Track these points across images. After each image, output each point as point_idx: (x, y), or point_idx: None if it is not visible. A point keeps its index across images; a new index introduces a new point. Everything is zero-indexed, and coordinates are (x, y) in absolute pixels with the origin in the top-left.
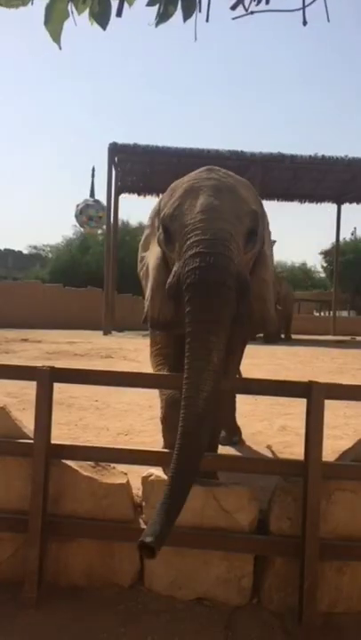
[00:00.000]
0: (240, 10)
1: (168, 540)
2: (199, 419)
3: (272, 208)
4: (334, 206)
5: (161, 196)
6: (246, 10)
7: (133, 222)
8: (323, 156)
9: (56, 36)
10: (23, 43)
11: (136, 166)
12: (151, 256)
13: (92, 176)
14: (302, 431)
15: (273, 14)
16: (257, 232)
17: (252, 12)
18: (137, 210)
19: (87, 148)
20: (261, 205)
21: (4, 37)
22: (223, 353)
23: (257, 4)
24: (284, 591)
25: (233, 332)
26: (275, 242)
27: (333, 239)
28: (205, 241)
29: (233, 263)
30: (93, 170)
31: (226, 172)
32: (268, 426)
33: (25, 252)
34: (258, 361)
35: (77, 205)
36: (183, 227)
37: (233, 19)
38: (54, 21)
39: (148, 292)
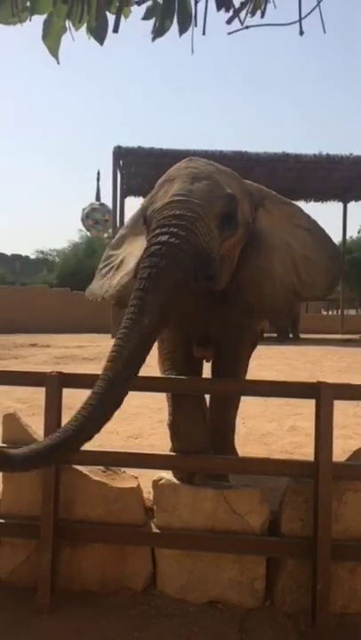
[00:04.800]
0: (236, 24)
1: (180, 544)
2: (117, 371)
3: None
4: (340, 205)
5: None
6: (242, 24)
7: None
8: (327, 154)
9: (54, 50)
10: (28, 49)
11: (141, 169)
12: (135, 251)
13: (98, 180)
14: (312, 431)
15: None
16: (236, 216)
17: (247, 27)
18: None
19: (92, 152)
20: (250, 195)
21: (8, 45)
22: (158, 315)
23: (252, 16)
24: (297, 592)
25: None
26: None
27: (340, 237)
28: (167, 222)
29: (194, 236)
30: (98, 173)
31: (208, 161)
32: (277, 427)
33: (32, 256)
34: (267, 361)
35: (83, 209)
36: (155, 211)
37: (229, 33)
38: (52, 36)
39: (123, 276)
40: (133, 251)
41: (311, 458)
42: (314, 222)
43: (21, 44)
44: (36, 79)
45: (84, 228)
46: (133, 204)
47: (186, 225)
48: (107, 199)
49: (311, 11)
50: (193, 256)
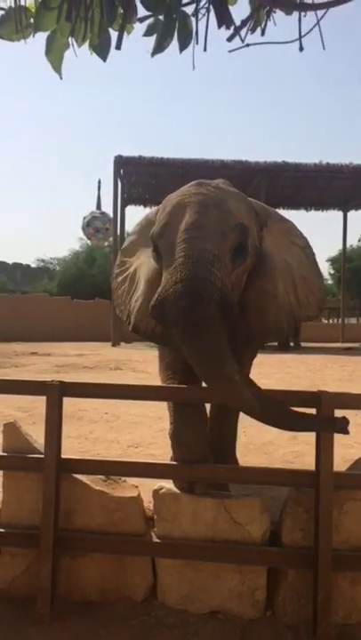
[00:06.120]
0: (237, 41)
1: (180, 554)
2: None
3: None
4: (340, 213)
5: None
6: (243, 41)
7: None
8: (327, 163)
9: (57, 66)
10: (28, 57)
11: (142, 178)
12: (143, 266)
13: (99, 188)
14: (313, 440)
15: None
16: (246, 245)
17: (248, 45)
18: None
19: (93, 161)
20: (256, 215)
21: (10, 57)
22: (234, 364)
23: (252, 33)
24: (298, 603)
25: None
26: None
27: (341, 246)
28: (188, 264)
29: (215, 287)
30: (99, 182)
31: (216, 184)
32: (278, 435)
33: (33, 265)
34: (267, 369)
35: (84, 218)
36: (169, 246)
37: (230, 51)
38: (55, 52)
39: (137, 301)
40: (142, 264)
41: (312, 467)
42: (305, 239)
43: (21, 53)
44: (37, 87)
45: (84, 237)
46: (134, 213)
47: (206, 277)
48: (107, 208)
49: (311, 29)
50: (219, 302)
